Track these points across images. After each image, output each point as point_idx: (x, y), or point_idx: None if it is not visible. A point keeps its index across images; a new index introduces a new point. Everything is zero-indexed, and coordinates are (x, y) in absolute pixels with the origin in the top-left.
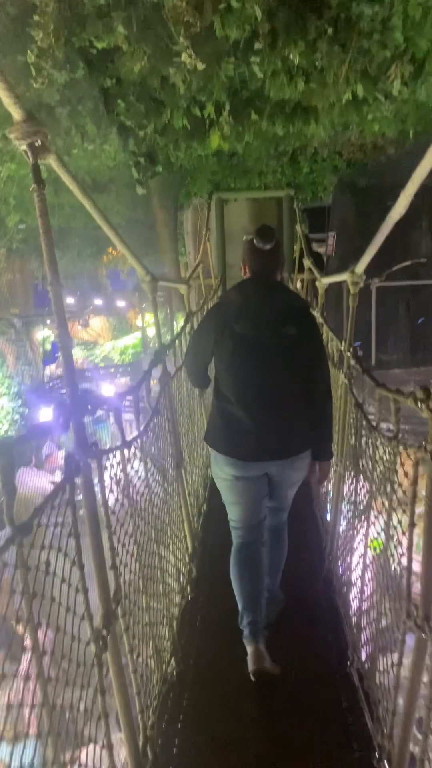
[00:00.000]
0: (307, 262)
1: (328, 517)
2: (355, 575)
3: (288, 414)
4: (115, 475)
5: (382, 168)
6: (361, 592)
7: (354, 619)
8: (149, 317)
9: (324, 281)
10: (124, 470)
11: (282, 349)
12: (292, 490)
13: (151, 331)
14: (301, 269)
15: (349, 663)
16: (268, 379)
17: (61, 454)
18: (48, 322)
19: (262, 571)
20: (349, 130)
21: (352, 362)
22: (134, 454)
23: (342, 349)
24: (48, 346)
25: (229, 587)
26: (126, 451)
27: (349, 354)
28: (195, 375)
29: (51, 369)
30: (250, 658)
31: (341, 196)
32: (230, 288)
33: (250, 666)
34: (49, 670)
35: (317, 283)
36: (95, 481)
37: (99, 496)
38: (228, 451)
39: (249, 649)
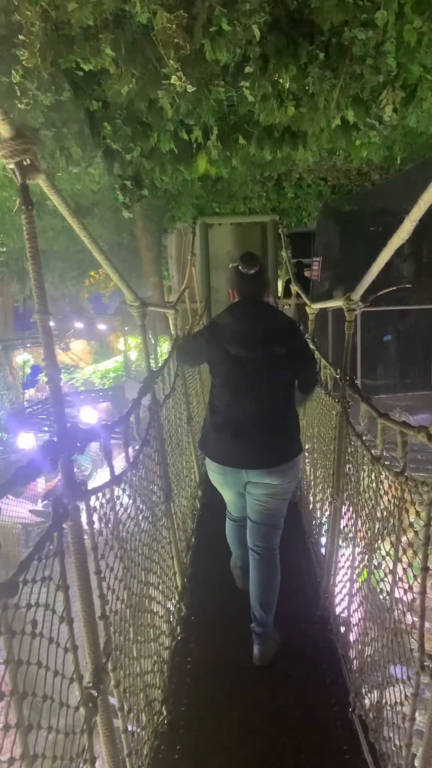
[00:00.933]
0: (295, 288)
1: (323, 551)
2: (355, 615)
3: (273, 428)
4: (105, 514)
5: (367, 194)
6: (363, 633)
7: (355, 663)
8: (131, 341)
9: (314, 306)
10: (113, 509)
11: (272, 367)
12: (276, 503)
13: (134, 355)
14: (288, 294)
15: (350, 710)
16: (257, 397)
17: (42, 482)
18: (28, 345)
19: (245, 537)
20: (336, 155)
21: (349, 390)
22: (123, 489)
23: (338, 376)
24: (28, 370)
25: (220, 626)
26: (116, 488)
27: (345, 382)
28: (186, 365)
29: (31, 393)
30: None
31: (326, 221)
32: (222, 311)
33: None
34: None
35: (307, 309)
36: (84, 523)
37: (88, 540)
38: (217, 458)
39: (237, 576)
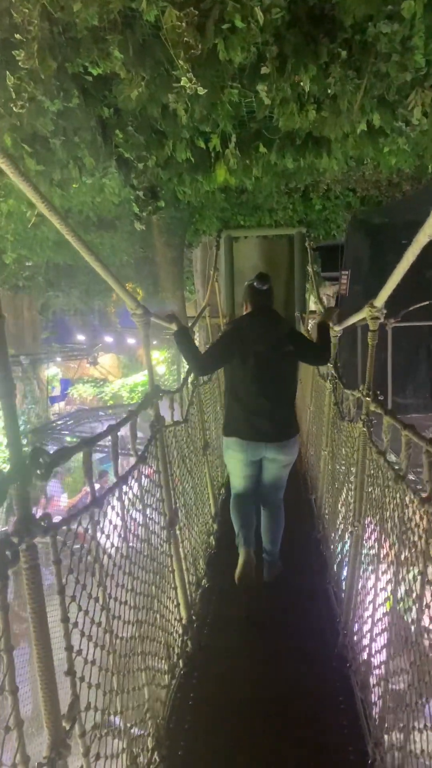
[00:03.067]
0: (318, 307)
1: (343, 585)
2: (377, 654)
3: (281, 410)
4: (80, 547)
5: (398, 206)
6: (386, 670)
7: (376, 709)
8: (159, 354)
9: (337, 328)
10: (94, 536)
11: (283, 362)
12: (284, 470)
13: (162, 369)
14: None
15: (369, 762)
16: (272, 384)
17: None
18: (58, 359)
19: (251, 511)
20: (364, 164)
21: (372, 407)
22: (108, 510)
23: (360, 394)
24: (57, 384)
25: (226, 664)
26: (96, 511)
27: (368, 399)
28: (204, 371)
29: (60, 406)
30: (241, 560)
31: (355, 234)
32: (240, 317)
33: (239, 569)
34: None
35: (330, 331)
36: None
37: (53, 580)
38: (236, 433)
39: (241, 552)
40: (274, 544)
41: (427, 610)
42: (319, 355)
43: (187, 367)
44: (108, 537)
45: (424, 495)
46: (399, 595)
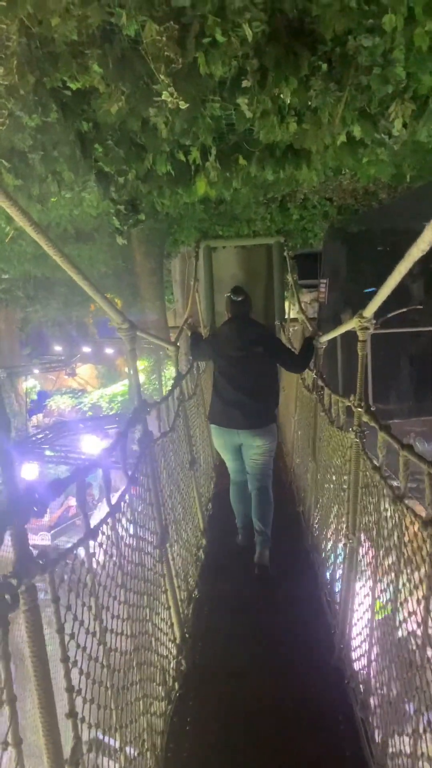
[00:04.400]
0: (301, 316)
1: (337, 598)
2: (375, 674)
3: (252, 403)
4: (78, 579)
5: (374, 214)
6: (384, 697)
7: (377, 732)
8: (140, 364)
9: (324, 339)
10: (90, 570)
11: (254, 362)
12: (263, 457)
13: (142, 378)
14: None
15: None
16: (244, 381)
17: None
18: (35, 371)
19: (247, 499)
20: (342, 174)
21: (365, 418)
22: (104, 539)
23: (351, 403)
24: (35, 396)
25: (223, 682)
26: (92, 543)
27: (360, 409)
28: (197, 359)
29: (38, 418)
30: (241, 538)
31: (332, 242)
32: (221, 324)
33: (242, 540)
34: None
35: (315, 343)
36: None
37: (54, 619)
38: (218, 422)
39: (239, 533)
40: (264, 524)
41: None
42: (298, 364)
43: (172, 378)
44: (104, 567)
45: (425, 517)
46: (396, 612)
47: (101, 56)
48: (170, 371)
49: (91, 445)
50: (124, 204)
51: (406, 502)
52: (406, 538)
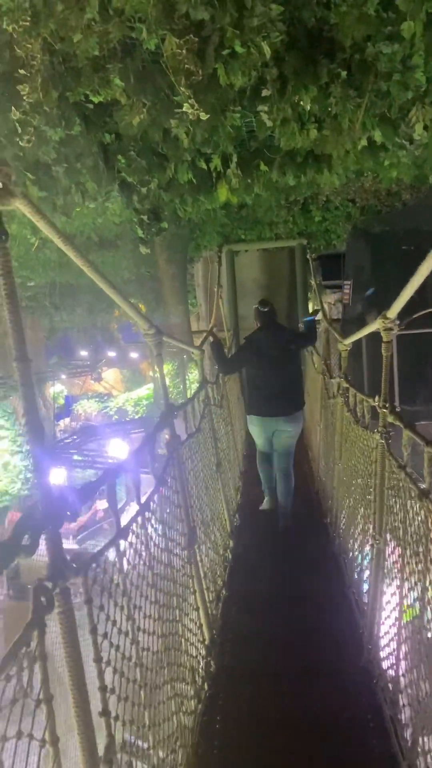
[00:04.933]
0: (324, 324)
1: (365, 598)
2: (404, 673)
3: (288, 393)
4: (110, 580)
5: (397, 214)
6: (414, 695)
7: (407, 729)
8: (164, 368)
9: (347, 342)
10: (121, 570)
11: (286, 360)
12: (292, 440)
13: (167, 381)
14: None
15: None
16: (280, 377)
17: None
18: (63, 376)
19: (271, 465)
20: (364, 176)
21: (391, 419)
22: (134, 539)
23: (376, 404)
24: (62, 401)
25: (252, 682)
26: (123, 542)
27: (385, 410)
28: (230, 372)
29: (65, 422)
30: (266, 500)
31: (355, 243)
32: (253, 331)
33: (264, 505)
34: None
35: (339, 346)
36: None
37: (87, 621)
38: (256, 412)
39: (267, 497)
40: (286, 498)
41: None
42: (307, 337)
43: (196, 382)
44: (134, 567)
45: None
46: (425, 612)
47: (122, 70)
48: (194, 374)
49: (118, 448)
50: (147, 213)
51: None
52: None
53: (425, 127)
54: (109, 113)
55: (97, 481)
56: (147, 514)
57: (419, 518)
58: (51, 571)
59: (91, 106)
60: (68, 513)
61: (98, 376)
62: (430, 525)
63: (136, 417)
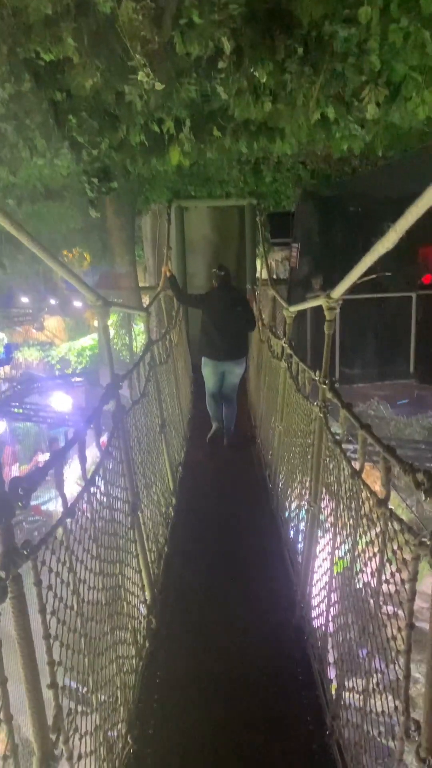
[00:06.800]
0: (271, 291)
1: (299, 558)
2: (332, 631)
3: (235, 342)
4: (57, 559)
5: (347, 178)
6: (340, 649)
7: (334, 681)
8: (109, 319)
9: (292, 309)
10: (68, 547)
11: (235, 316)
12: (237, 378)
13: (111, 332)
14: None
15: (327, 732)
16: (227, 328)
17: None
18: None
19: (219, 405)
20: (316, 143)
21: (329, 395)
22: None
23: (317, 379)
24: (1, 348)
25: (191, 639)
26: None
27: (325, 386)
28: (185, 303)
29: (5, 370)
30: (213, 428)
31: (304, 206)
32: (210, 290)
33: (211, 434)
34: None
35: (285, 312)
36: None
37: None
38: (208, 355)
39: (213, 424)
40: (230, 421)
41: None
42: (249, 326)
43: (143, 342)
44: (80, 542)
45: (380, 496)
46: (354, 564)
47: (76, 30)
48: (141, 327)
49: (61, 402)
50: (97, 173)
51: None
52: (362, 512)
53: (378, 104)
54: (61, 71)
55: (44, 468)
56: (92, 489)
57: (351, 492)
58: (4, 560)
59: (42, 63)
60: (20, 503)
61: (40, 325)
62: (360, 502)
63: (79, 368)
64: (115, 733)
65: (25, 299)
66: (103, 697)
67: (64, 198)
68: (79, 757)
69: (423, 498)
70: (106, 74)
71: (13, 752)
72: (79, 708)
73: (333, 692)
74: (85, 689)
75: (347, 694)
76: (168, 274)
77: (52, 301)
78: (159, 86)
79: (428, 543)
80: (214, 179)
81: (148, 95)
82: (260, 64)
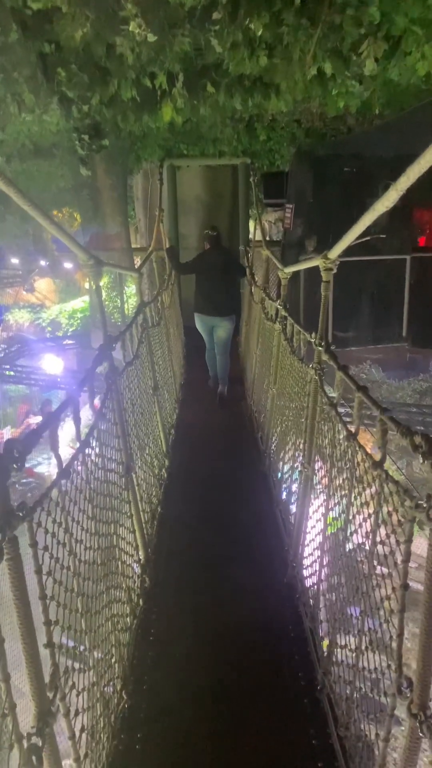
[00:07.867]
0: (265, 252)
1: (292, 519)
2: (323, 590)
3: (226, 299)
4: (54, 520)
5: (342, 138)
6: (332, 608)
7: (325, 639)
8: (101, 281)
9: (287, 270)
10: (64, 508)
11: (226, 276)
12: (227, 333)
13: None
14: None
15: (318, 687)
16: (219, 286)
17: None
18: None
19: (214, 359)
20: (311, 100)
21: (325, 357)
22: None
23: (313, 341)
24: None
25: (184, 597)
26: (64, 482)
27: (321, 348)
28: (183, 272)
29: None
30: (211, 378)
31: (299, 166)
32: (204, 250)
33: (211, 381)
34: None
35: (279, 274)
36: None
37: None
38: (201, 311)
39: (211, 374)
40: (224, 372)
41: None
42: (238, 274)
43: (134, 305)
44: (75, 503)
45: (376, 458)
46: (348, 524)
47: None
48: (132, 288)
49: (52, 364)
50: (87, 131)
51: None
52: (357, 473)
53: (376, 60)
54: (50, 21)
55: (38, 429)
56: (87, 450)
57: (347, 455)
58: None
59: (29, 12)
60: (15, 465)
61: (30, 287)
62: (355, 464)
63: (70, 330)
64: (111, 689)
65: (14, 260)
66: (99, 654)
67: (54, 156)
68: (76, 713)
69: (421, 461)
70: (96, 24)
71: (12, 710)
72: (76, 665)
73: (325, 648)
74: (82, 647)
75: (339, 650)
76: (166, 243)
77: (43, 263)
78: (151, 38)
79: (425, 505)
80: (207, 137)
81: (140, 47)
82: (256, 16)
